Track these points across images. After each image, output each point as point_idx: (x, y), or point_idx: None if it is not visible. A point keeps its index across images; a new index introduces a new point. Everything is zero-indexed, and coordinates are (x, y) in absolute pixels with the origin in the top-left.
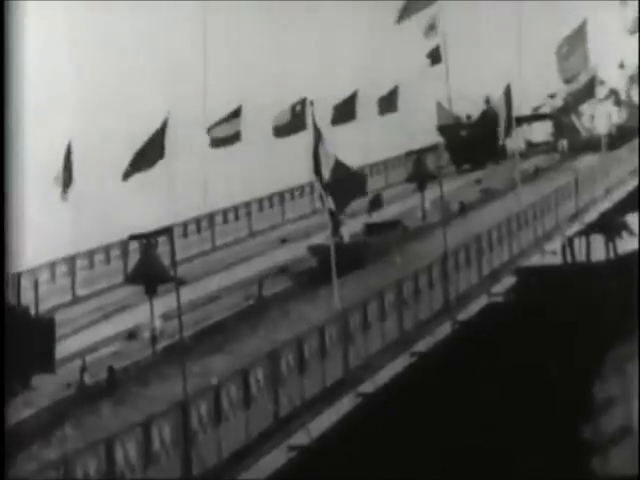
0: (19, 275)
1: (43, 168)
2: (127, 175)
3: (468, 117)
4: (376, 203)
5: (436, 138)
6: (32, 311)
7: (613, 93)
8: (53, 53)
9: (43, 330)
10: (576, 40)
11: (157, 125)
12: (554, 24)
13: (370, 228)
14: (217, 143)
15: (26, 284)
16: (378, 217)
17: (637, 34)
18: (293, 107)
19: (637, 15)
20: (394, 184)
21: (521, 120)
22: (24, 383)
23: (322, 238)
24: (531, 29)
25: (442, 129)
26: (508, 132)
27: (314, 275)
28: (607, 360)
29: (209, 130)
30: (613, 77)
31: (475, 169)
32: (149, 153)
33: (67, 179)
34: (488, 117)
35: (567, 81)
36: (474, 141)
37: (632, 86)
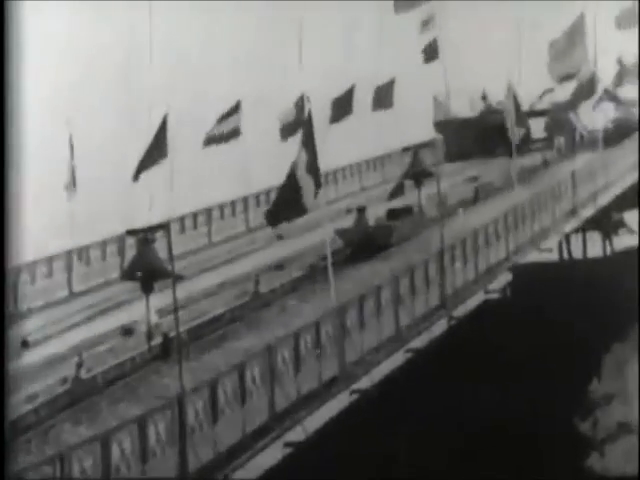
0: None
1: (45, 164)
2: (136, 176)
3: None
4: (398, 190)
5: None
6: None
7: (609, 90)
8: (53, 53)
9: None
10: (574, 36)
11: (157, 120)
12: (553, 20)
13: (391, 213)
14: (214, 140)
15: (24, 278)
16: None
17: (637, 30)
18: (296, 104)
19: (637, 11)
20: (391, 180)
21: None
22: None
23: (347, 222)
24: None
25: (439, 125)
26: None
27: (340, 257)
28: (605, 357)
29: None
30: (611, 73)
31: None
32: (154, 152)
33: (73, 175)
34: (491, 113)
35: (563, 78)
36: (476, 136)
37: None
